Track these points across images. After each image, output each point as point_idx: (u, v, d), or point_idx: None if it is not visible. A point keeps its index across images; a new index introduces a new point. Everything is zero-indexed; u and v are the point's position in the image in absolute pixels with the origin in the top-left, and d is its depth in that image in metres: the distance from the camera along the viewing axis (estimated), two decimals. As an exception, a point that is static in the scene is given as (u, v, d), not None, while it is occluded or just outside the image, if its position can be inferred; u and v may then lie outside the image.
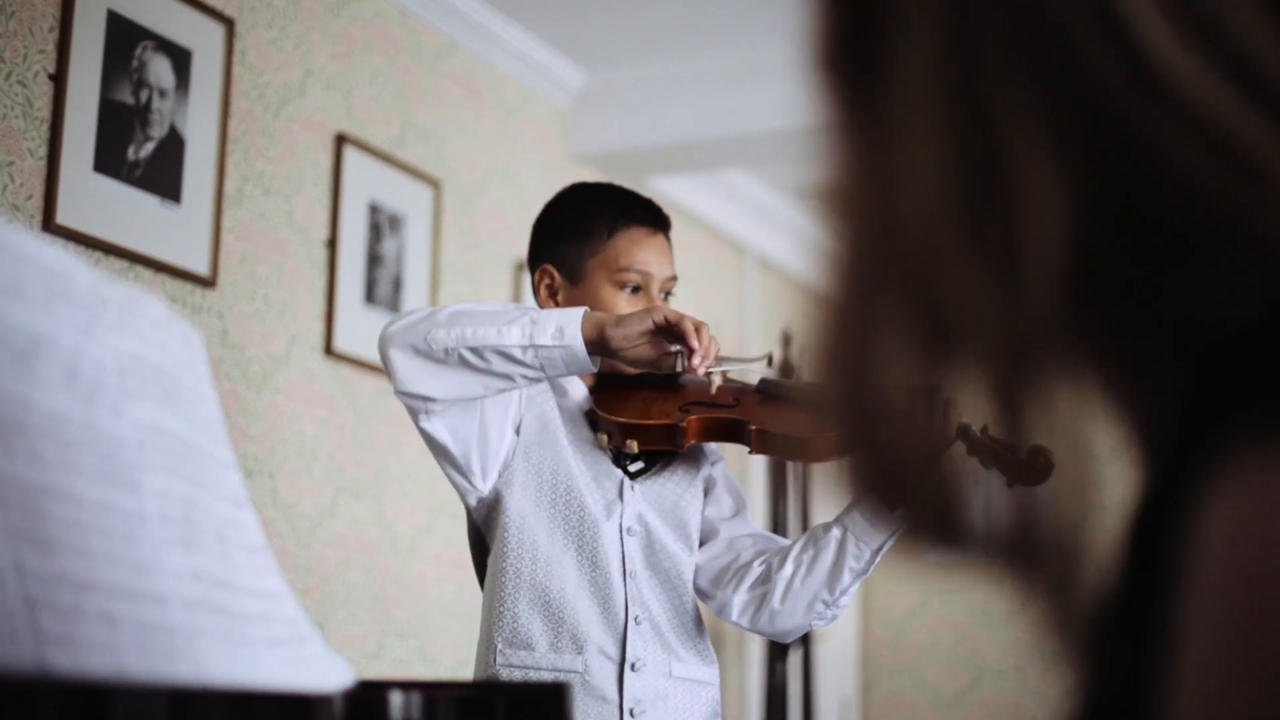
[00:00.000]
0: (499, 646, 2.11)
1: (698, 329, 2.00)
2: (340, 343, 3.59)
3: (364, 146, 3.73)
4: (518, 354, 1.94)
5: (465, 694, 0.89)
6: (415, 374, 1.98)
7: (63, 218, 2.89)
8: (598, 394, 2.21)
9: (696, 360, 1.99)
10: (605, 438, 2.17)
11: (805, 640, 5.47)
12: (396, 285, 3.81)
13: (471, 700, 0.89)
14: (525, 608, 2.11)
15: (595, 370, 2.03)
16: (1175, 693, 0.43)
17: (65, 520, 0.72)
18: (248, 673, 0.80)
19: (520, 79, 4.39)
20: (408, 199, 3.88)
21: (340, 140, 3.66)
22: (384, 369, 2.03)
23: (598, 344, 1.98)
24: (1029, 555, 0.49)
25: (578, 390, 2.22)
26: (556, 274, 2.23)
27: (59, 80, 2.91)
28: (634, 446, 2.13)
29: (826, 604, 2.17)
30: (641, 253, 2.20)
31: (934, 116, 0.48)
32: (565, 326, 1.95)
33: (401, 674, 3.70)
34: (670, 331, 2.01)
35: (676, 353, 2.02)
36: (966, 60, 0.48)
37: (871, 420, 0.50)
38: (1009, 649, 6.27)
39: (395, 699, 0.82)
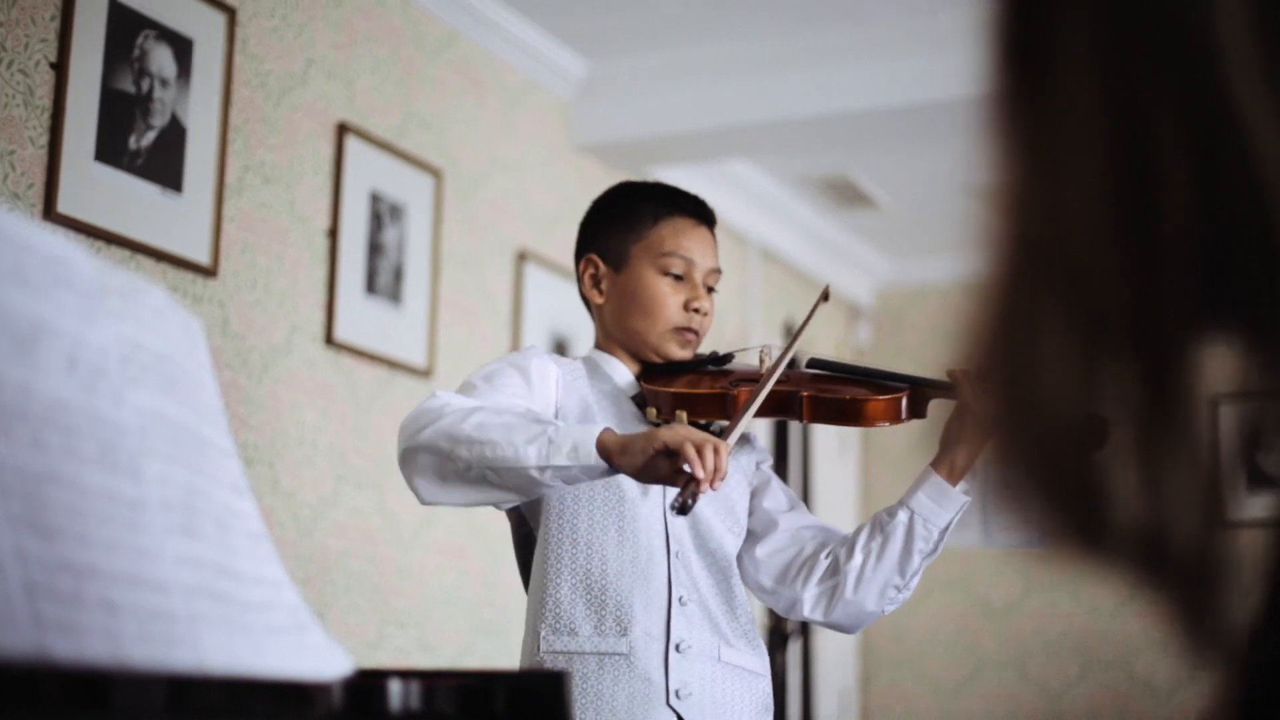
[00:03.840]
0: (543, 634, 2.09)
1: (700, 450, 1.84)
2: (341, 332, 3.59)
3: (365, 136, 3.73)
4: (535, 474, 1.91)
5: (464, 683, 0.90)
6: (436, 493, 1.97)
7: (64, 207, 2.89)
8: (646, 375, 2.23)
9: (704, 487, 1.84)
10: (654, 411, 2.17)
11: (804, 631, 5.47)
12: (397, 275, 3.81)
13: (470, 689, 0.89)
14: (568, 592, 2.09)
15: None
16: None
17: (66, 507, 0.72)
18: (247, 660, 0.80)
19: (522, 69, 4.38)
20: (409, 188, 3.88)
21: (342, 129, 3.66)
22: (403, 478, 2.01)
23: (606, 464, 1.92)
24: (1161, 561, 0.51)
25: (622, 376, 2.23)
26: (601, 263, 2.25)
27: (60, 69, 2.91)
28: (683, 418, 2.12)
29: (898, 589, 2.17)
30: (685, 240, 2.22)
31: (1094, 123, 0.52)
32: (580, 446, 1.89)
33: (402, 663, 3.70)
34: (674, 455, 1.86)
35: (687, 474, 1.86)
36: (1124, 74, 0.51)
37: (1031, 413, 0.53)
38: (1009, 641, 6.27)
39: (394, 688, 0.82)
